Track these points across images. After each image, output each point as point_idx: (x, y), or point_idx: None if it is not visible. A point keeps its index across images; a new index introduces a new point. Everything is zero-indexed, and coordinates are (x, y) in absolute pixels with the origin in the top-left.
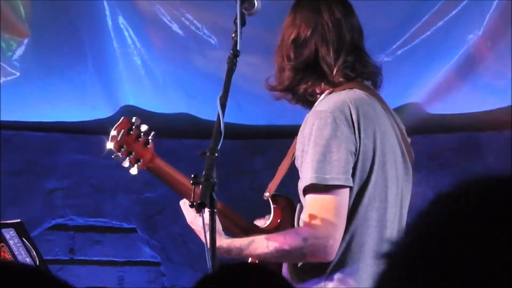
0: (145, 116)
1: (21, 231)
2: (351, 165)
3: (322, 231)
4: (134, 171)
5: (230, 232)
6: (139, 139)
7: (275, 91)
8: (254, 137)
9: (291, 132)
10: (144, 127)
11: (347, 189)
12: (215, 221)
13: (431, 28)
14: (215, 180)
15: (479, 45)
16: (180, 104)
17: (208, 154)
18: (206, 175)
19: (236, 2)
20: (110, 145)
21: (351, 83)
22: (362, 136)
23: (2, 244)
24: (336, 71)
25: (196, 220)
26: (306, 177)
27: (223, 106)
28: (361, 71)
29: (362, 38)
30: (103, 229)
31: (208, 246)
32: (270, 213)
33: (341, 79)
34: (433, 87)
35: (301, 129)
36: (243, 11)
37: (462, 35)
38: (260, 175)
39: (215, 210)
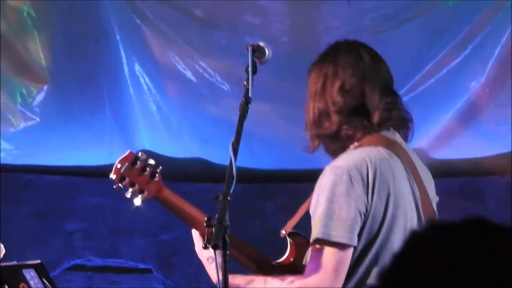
0: (160, 160)
1: (41, 271)
2: (359, 225)
3: (317, 281)
4: (137, 201)
5: (244, 266)
6: (145, 172)
7: (320, 137)
8: (265, 181)
9: (301, 177)
10: (151, 161)
11: (351, 248)
12: (227, 261)
13: (435, 76)
14: (228, 223)
15: (481, 93)
16: (194, 149)
17: (221, 198)
18: (219, 218)
19: (248, 51)
20: (112, 176)
21: (380, 138)
22: (374, 198)
23: (23, 284)
24: (380, 112)
25: (202, 252)
26: (314, 230)
27: (235, 151)
28: (398, 115)
29: (393, 82)
30: (120, 269)
31: (220, 284)
32: (285, 250)
33: (379, 124)
34: (436, 133)
35: (319, 178)
36: (255, 59)
37: (464, 83)
38: (270, 218)
39: (227, 252)
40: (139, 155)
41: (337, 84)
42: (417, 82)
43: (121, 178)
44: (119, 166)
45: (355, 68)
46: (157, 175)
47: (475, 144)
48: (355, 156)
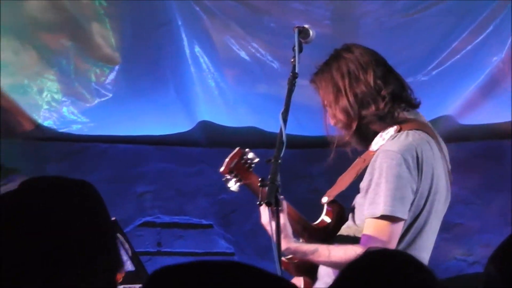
0: (218, 129)
1: (116, 227)
2: (410, 202)
3: None
4: (234, 188)
5: (292, 227)
6: (246, 164)
7: (366, 118)
8: (311, 146)
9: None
10: (250, 155)
11: (403, 221)
12: (282, 225)
13: (461, 52)
14: (279, 183)
15: (501, 66)
16: (248, 119)
17: (273, 161)
18: (272, 179)
19: (295, 32)
20: (223, 169)
21: (413, 123)
22: (422, 178)
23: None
24: (408, 95)
25: (269, 224)
26: (377, 207)
27: (284, 120)
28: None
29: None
30: (185, 225)
31: (274, 239)
32: (320, 213)
33: (402, 115)
34: (463, 101)
35: (372, 160)
36: (300, 40)
37: (486, 58)
38: (316, 179)
39: (279, 208)
40: (246, 151)
41: (371, 73)
42: (445, 58)
43: (229, 172)
44: (229, 162)
45: (374, 58)
46: (252, 166)
47: (496, 111)
48: (404, 141)
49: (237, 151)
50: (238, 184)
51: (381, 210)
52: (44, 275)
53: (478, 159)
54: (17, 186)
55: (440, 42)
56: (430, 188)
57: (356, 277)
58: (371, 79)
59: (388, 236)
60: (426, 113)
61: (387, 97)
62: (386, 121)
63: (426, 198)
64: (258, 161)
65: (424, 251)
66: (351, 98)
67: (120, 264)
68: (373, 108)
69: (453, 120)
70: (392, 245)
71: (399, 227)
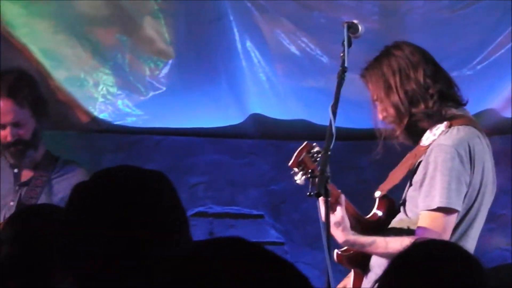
0: (269, 122)
1: None
2: (464, 194)
3: None
4: (301, 181)
5: (345, 224)
6: (312, 158)
7: (415, 115)
8: (360, 139)
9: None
10: (316, 148)
11: (457, 213)
12: (341, 219)
13: (505, 47)
14: (329, 174)
15: None
16: (298, 112)
17: (322, 153)
18: (321, 170)
19: (344, 27)
20: (291, 163)
21: (463, 118)
22: (474, 171)
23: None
24: (456, 93)
25: (330, 218)
26: (433, 199)
27: (334, 113)
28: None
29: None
30: (236, 215)
31: (325, 229)
32: (373, 206)
33: (450, 112)
34: (506, 95)
35: (426, 155)
36: (349, 34)
37: None
38: (364, 170)
39: (329, 198)
40: (313, 145)
41: (421, 72)
42: (489, 52)
43: (298, 165)
44: (297, 156)
45: (423, 57)
46: (318, 159)
47: None
48: (456, 136)
49: (305, 145)
50: (304, 177)
51: (437, 202)
52: (134, 256)
53: None
54: (92, 176)
55: (485, 37)
56: (482, 180)
57: (404, 267)
58: (421, 78)
59: (443, 227)
60: (470, 107)
61: (435, 96)
62: (434, 119)
63: (478, 191)
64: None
65: (474, 242)
66: (402, 95)
67: None
68: (422, 106)
69: (497, 113)
70: (446, 237)
71: (453, 219)
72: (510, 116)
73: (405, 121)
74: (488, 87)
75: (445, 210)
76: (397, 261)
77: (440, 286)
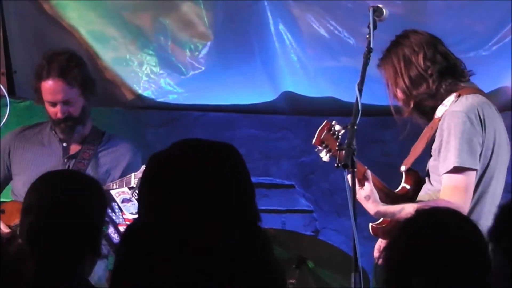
0: (300, 99)
1: None
2: (479, 153)
3: (457, 203)
4: (326, 158)
5: (375, 198)
6: (334, 135)
7: (419, 97)
8: (384, 115)
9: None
10: (337, 127)
11: (475, 172)
12: (370, 192)
13: None
14: (355, 147)
15: None
16: (327, 90)
17: (349, 127)
18: (348, 143)
19: (369, 11)
20: (315, 141)
21: (470, 88)
22: (486, 132)
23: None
24: (459, 67)
25: (360, 192)
26: (449, 161)
27: (360, 91)
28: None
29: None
30: (269, 185)
31: (351, 198)
32: (401, 181)
33: (457, 85)
34: None
35: (440, 123)
36: (375, 18)
37: None
38: (388, 144)
39: (355, 169)
40: (333, 123)
41: (421, 56)
42: (503, 35)
43: (321, 143)
44: (319, 134)
45: (425, 41)
46: (340, 136)
47: None
48: (466, 102)
49: (324, 124)
50: (328, 155)
51: (452, 163)
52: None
53: None
54: (169, 147)
55: (500, 21)
56: (494, 141)
57: (407, 235)
58: (421, 61)
59: (464, 186)
60: (486, 85)
61: (434, 75)
62: (436, 97)
63: (492, 150)
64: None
65: (496, 200)
66: (407, 80)
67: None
68: (424, 87)
69: (510, 91)
70: (469, 195)
71: (472, 177)
72: None
73: (412, 103)
74: (503, 67)
75: (462, 170)
76: (402, 229)
77: (440, 252)
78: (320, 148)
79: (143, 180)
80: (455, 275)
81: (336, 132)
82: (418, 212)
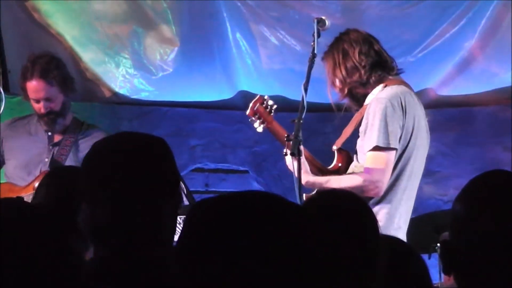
0: (253, 97)
1: None
2: (399, 135)
3: (376, 177)
4: (260, 129)
5: (310, 171)
6: (267, 109)
7: (352, 84)
8: (325, 111)
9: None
10: (270, 102)
11: (395, 151)
12: (301, 165)
13: (441, 39)
14: (301, 138)
15: (472, 50)
16: (277, 89)
17: (296, 121)
18: (295, 135)
19: (314, 22)
20: (249, 112)
21: (396, 80)
22: (407, 117)
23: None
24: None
25: (290, 165)
26: (372, 140)
27: (305, 90)
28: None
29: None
30: (227, 171)
31: (296, 181)
32: (333, 159)
33: (385, 77)
34: (442, 77)
35: (367, 108)
36: (318, 28)
37: (461, 43)
38: (329, 136)
39: (301, 158)
40: (265, 97)
41: (357, 50)
42: (429, 43)
43: (254, 114)
44: (253, 106)
45: (362, 39)
46: (273, 111)
47: (467, 84)
48: (390, 91)
49: (258, 98)
50: (262, 126)
51: (375, 142)
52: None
53: (453, 122)
54: (106, 138)
55: (426, 31)
56: (414, 125)
57: (313, 212)
58: (356, 55)
59: (384, 163)
60: (413, 86)
61: (366, 67)
62: (366, 86)
63: (411, 133)
64: (278, 108)
65: (414, 178)
66: (343, 70)
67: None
68: (357, 76)
69: (434, 91)
70: (389, 171)
71: (392, 155)
72: (443, 94)
73: (346, 89)
74: (427, 71)
75: (383, 149)
76: (306, 206)
77: (332, 231)
78: (253, 119)
79: (82, 166)
80: (343, 255)
81: (269, 106)
82: (318, 192)
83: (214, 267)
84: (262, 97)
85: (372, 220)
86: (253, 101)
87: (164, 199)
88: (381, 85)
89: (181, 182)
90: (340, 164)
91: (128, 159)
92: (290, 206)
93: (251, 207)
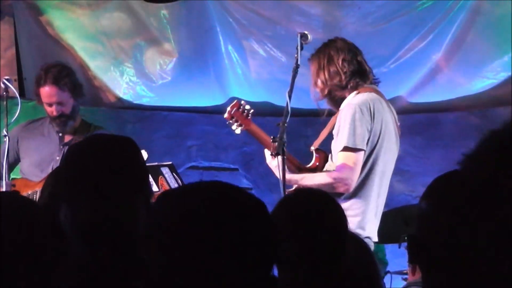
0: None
1: (172, 169)
2: (367, 138)
3: (345, 175)
4: (238, 131)
5: (289, 169)
6: (244, 113)
7: (333, 87)
8: (307, 116)
9: (328, 113)
10: (247, 106)
11: (363, 152)
12: (285, 164)
13: (411, 52)
14: (285, 140)
15: (438, 62)
16: (264, 96)
17: (281, 125)
18: (280, 137)
19: (298, 36)
20: (226, 115)
21: (368, 88)
22: (375, 121)
23: (161, 177)
24: (368, 73)
25: (272, 163)
26: (342, 142)
27: (289, 97)
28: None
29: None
30: (219, 168)
31: (281, 178)
32: (312, 158)
33: (360, 85)
34: (411, 86)
35: (339, 113)
36: (302, 41)
37: (428, 56)
38: (310, 138)
39: (285, 157)
40: (242, 102)
41: (341, 57)
42: (400, 56)
43: (231, 117)
44: (230, 110)
45: (348, 48)
46: (250, 115)
47: (434, 93)
48: (360, 98)
49: (235, 103)
50: (240, 128)
51: (345, 143)
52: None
53: (421, 126)
54: (83, 140)
55: (397, 45)
56: (381, 128)
57: (288, 208)
58: (340, 61)
59: (353, 162)
60: (386, 94)
61: (347, 73)
62: (345, 90)
63: (379, 136)
64: (254, 111)
65: (384, 177)
66: (326, 73)
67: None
68: (337, 79)
69: (405, 99)
70: (357, 169)
71: (360, 156)
72: (413, 101)
73: (327, 90)
74: (399, 80)
75: (352, 149)
76: (283, 202)
77: (300, 225)
78: (231, 122)
79: (61, 169)
80: (312, 248)
81: (246, 110)
82: (297, 190)
83: (178, 254)
84: (239, 102)
85: (332, 213)
86: (230, 106)
87: (136, 193)
88: (354, 92)
89: (163, 172)
90: (317, 163)
91: (98, 159)
92: (245, 195)
93: (208, 198)
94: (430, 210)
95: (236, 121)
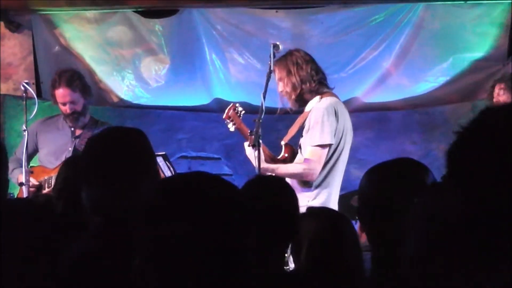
0: (225, 103)
1: (166, 158)
2: (333, 135)
3: (312, 166)
4: (232, 129)
5: (265, 159)
6: (238, 113)
7: (303, 91)
8: (278, 113)
9: (296, 111)
10: (240, 108)
11: (329, 146)
12: (260, 154)
13: (366, 60)
14: (260, 134)
15: (388, 68)
16: (243, 97)
17: (257, 121)
18: (256, 131)
19: (271, 46)
20: (224, 116)
21: (329, 93)
22: (339, 122)
23: (156, 166)
24: (326, 80)
25: (250, 154)
26: (312, 140)
27: (264, 98)
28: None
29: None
30: (205, 158)
31: (257, 167)
32: (281, 151)
33: (322, 90)
34: (366, 89)
35: (309, 115)
36: (274, 51)
37: (380, 64)
38: (281, 132)
39: (260, 148)
40: (236, 105)
41: (309, 65)
42: (356, 63)
43: (228, 117)
44: (228, 111)
45: (310, 58)
46: (241, 115)
47: (385, 94)
48: (326, 102)
49: (231, 105)
50: (234, 126)
51: (316, 141)
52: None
53: (375, 122)
54: (99, 132)
55: (354, 54)
56: (344, 128)
57: (248, 191)
58: (309, 69)
59: (319, 156)
60: (344, 95)
61: (316, 81)
62: (312, 94)
63: (342, 133)
64: (245, 112)
65: (341, 170)
66: (297, 78)
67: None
68: (308, 85)
69: (360, 99)
70: (321, 162)
71: (325, 151)
72: (367, 101)
73: (294, 95)
74: (355, 84)
75: (320, 146)
76: (244, 188)
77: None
78: (228, 121)
79: (82, 154)
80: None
81: (239, 111)
82: (257, 176)
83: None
84: (234, 104)
85: (287, 196)
86: (228, 108)
87: (142, 175)
88: (318, 97)
89: (169, 165)
90: (286, 155)
91: (111, 146)
92: (222, 182)
93: (188, 187)
94: (368, 188)
95: (232, 121)
